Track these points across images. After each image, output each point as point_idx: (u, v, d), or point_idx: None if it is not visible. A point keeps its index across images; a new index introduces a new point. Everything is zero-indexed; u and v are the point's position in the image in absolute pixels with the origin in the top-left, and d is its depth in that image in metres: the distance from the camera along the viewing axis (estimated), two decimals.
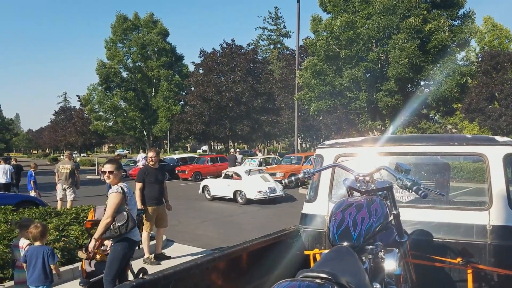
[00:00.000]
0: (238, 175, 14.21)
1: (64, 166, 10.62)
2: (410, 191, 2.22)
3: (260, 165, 21.31)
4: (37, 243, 4.19)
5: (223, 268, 2.85)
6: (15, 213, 7.37)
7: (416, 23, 16.91)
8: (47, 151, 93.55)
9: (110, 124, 43.18)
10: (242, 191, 13.80)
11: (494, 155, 3.04)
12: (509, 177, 3.04)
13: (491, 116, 27.51)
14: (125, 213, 4.18)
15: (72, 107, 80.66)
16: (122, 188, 4.29)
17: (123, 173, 4.73)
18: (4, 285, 4.89)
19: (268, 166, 21.63)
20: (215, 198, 14.94)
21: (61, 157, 66.65)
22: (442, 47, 17.41)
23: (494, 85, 27.68)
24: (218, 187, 14.89)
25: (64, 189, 10.56)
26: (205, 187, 15.67)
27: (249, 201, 13.49)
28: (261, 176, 14.22)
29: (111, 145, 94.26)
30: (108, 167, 4.35)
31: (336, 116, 23.28)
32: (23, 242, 4.41)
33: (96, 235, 4.24)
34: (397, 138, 3.57)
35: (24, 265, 4.16)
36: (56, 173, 10.71)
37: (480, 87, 28.10)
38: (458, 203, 3.62)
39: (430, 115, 25.04)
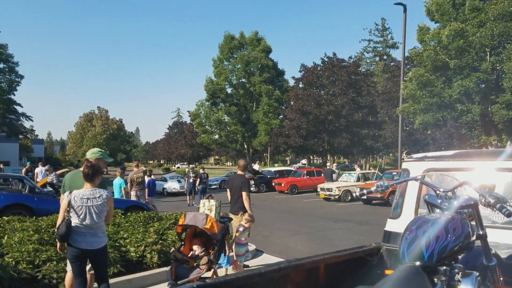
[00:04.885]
0: None
1: (138, 175, 12.02)
2: (494, 209, 2.00)
3: (358, 180, 20.56)
4: None
5: (291, 280, 2.75)
6: (123, 216, 8.18)
7: None
8: (161, 162, 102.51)
9: (215, 137, 45.76)
10: None
11: None
12: None
13: None
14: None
15: (183, 121, 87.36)
16: None
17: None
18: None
19: (367, 182, 20.78)
20: (310, 213, 14.78)
21: (173, 167, 72.43)
22: None
23: None
24: None
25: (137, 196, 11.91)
26: None
27: None
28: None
29: (216, 157, 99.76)
30: None
31: (446, 130, 21.54)
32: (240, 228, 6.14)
33: None
34: (494, 152, 3.18)
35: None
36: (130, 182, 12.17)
37: None
38: None
39: None
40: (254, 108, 44.02)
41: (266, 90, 41.90)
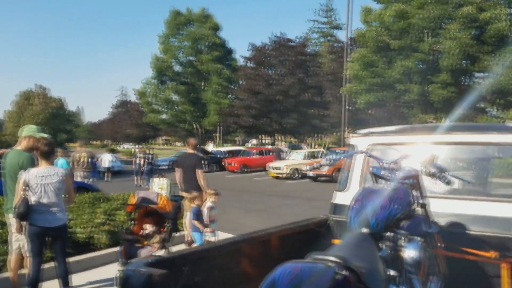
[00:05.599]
0: None
1: (81, 155, 11.67)
2: (435, 178, 2.15)
3: (306, 158, 21.17)
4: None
5: (245, 252, 2.84)
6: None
7: (470, 12, 15.99)
8: (105, 142, 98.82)
9: (164, 116, 44.74)
10: None
11: None
12: None
13: None
14: None
15: (129, 100, 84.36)
16: None
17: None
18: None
19: (314, 160, 21.43)
20: (260, 191, 15.05)
21: (118, 148, 70.14)
22: (500, 37, 16.35)
23: None
24: None
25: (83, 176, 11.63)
26: None
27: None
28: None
29: (165, 137, 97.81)
30: None
31: (387, 110, 22.59)
32: (210, 205, 6.22)
33: None
34: (434, 127, 3.41)
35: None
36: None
37: None
38: (497, 196, 3.40)
39: (488, 109, 23.60)
40: (204, 87, 43.41)
41: (215, 69, 41.37)
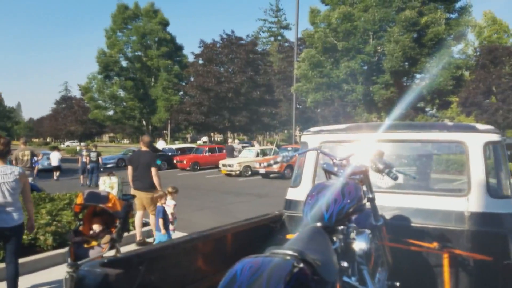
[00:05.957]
0: None
1: (23, 153, 11.04)
2: (383, 173, 2.27)
3: (257, 155, 21.37)
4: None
5: (202, 250, 2.84)
6: None
7: (411, 16, 16.91)
8: (47, 140, 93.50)
9: (110, 113, 43.24)
10: None
11: (474, 142, 3.06)
12: (489, 164, 3.08)
13: (487, 110, 27.31)
14: None
15: (72, 96, 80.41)
16: None
17: None
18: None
19: (266, 157, 21.70)
20: (212, 189, 15.00)
21: (62, 145, 66.72)
22: (438, 40, 17.48)
23: (492, 79, 27.39)
24: None
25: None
26: None
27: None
28: None
29: (111, 134, 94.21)
30: None
31: (334, 109, 23.33)
32: (171, 202, 6.19)
33: None
34: (379, 125, 3.60)
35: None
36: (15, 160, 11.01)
37: (477, 81, 27.84)
38: (437, 190, 3.65)
39: (427, 109, 25.10)
40: (153, 83, 42.45)
41: (165, 65, 40.62)
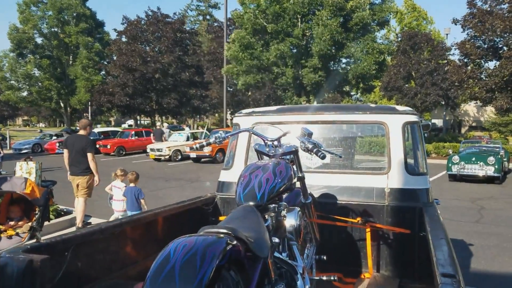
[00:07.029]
0: None
1: None
2: (311, 153, 2.34)
3: (188, 139, 21.04)
4: (131, 185, 6.02)
5: (132, 234, 2.79)
6: None
7: (339, 1, 17.42)
8: None
9: (24, 94, 39.87)
10: None
11: (393, 123, 3.29)
12: (407, 145, 3.31)
13: (407, 94, 29.31)
14: None
15: None
16: None
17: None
18: None
19: (196, 141, 21.45)
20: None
21: None
22: (362, 25, 18.19)
23: (411, 64, 29.18)
24: None
25: None
26: None
27: None
28: None
29: (25, 117, 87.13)
30: None
31: (265, 92, 23.61)
32: (121, 184, 6.20)
33: None
34: (308, 107, 3.75)
35: (125, 198, 5.99)
36: None
37: (398, 66, 29.60)
38: (360, 169, 3.90)
39: (352, 93, 26.33)
40: (71, 62, 39.64)
41: (84, 42, 38.01)
